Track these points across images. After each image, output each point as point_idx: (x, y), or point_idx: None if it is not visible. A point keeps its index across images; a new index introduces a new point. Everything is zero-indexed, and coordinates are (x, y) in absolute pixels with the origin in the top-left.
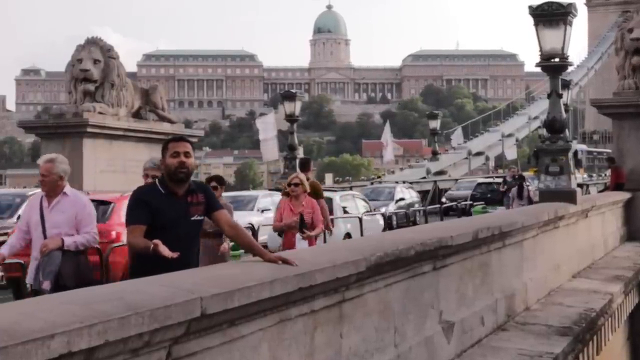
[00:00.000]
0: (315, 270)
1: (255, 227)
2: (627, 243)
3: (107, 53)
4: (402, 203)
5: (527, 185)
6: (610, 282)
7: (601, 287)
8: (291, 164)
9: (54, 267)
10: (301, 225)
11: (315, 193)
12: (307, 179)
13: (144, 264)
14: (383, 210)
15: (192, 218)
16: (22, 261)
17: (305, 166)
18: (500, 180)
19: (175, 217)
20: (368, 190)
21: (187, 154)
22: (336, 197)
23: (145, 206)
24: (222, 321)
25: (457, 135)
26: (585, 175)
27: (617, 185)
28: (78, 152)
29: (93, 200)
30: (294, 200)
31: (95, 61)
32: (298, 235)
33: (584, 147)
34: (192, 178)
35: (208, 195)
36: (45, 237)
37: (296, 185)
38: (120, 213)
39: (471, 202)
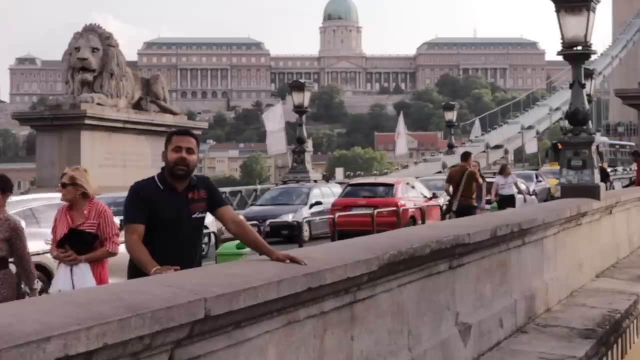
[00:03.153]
0: (325, 269)
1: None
2: None
3: (106, 41)
4: (319, 208)
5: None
6: (635, 282)
7: (626, 287)
8: (300, 158)
9: None
10: (75, 243)
11: (475, 180)
12: (465, 170)
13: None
14: (290, 217)
15: (194, 215)
16: None
17: (465, 158)
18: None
19: (175, 215)
20: (274, 192)
21: (189, 150)
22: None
23: (145, 204)
24: (227, 323)
25: (475, 128)
26: (609, 169)
27: None
28: (75, 145)
29: (380, 184)
30: (73, 208)
31: (94, 49)
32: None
33: (605, 139)
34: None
35: (211, 191)
36: None
37: (64, 186)
38: (399, 192)
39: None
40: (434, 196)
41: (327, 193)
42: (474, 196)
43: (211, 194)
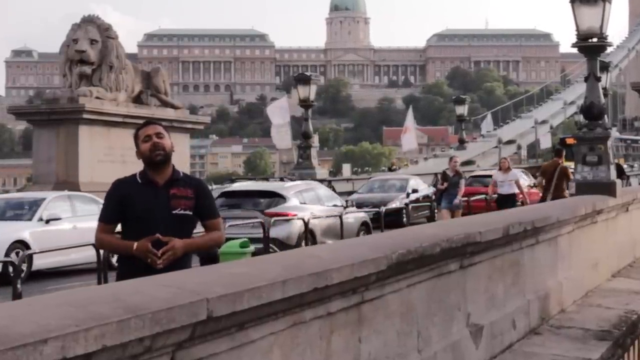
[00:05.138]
0: (331, 269)
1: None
2: None
3: (105, 32)
4: None
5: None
6: None
7: None
8: (305, 153)
9: None
10: None
11: (567, 175)
12: (557, 164)
13: (130, 267)
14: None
15: (174, 212)
16: None
17: (558, 153)
18: None
19: (149, 207)
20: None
21: (159, 135)
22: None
23: (118, 202)
24: (230, 324)
25: (486, 122)
26: (625, 165)
27: None
28: (73, 140)
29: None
30: None
31: (92, 41)
32: None
33: (616, 134)
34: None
35: (200, 194)
36: None
37: None
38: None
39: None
40: (535, 185)
41: None
42: (566, 190)
43: (200, 197)
